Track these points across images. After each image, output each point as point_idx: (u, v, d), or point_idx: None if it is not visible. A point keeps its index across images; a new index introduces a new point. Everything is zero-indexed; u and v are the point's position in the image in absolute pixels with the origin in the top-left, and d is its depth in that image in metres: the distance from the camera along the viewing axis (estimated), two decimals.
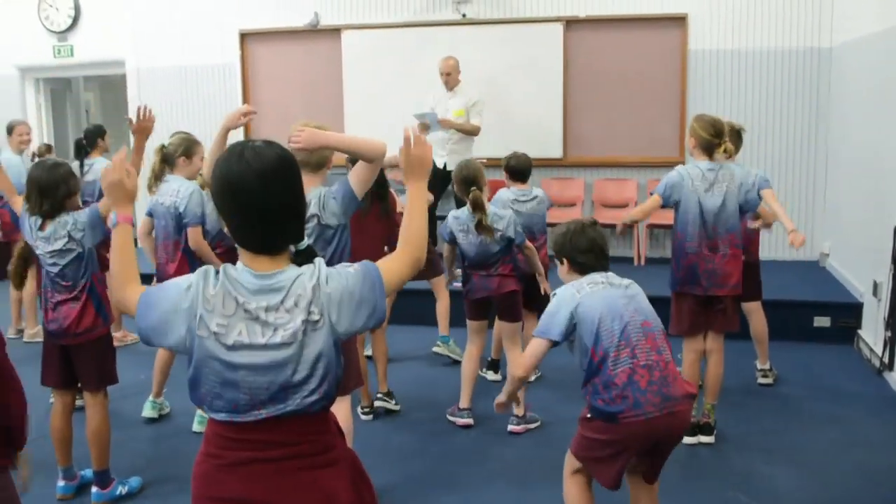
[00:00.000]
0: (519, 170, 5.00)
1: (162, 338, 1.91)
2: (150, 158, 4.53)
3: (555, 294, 3.08)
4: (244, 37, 8.80)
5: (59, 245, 3.69)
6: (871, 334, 5.81)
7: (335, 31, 8.49)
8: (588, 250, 3.08)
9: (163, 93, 9.12)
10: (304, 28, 8.54)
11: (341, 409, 3.08)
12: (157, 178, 4.69)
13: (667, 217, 7.72)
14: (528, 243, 4.70)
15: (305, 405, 1.90)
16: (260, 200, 1.86)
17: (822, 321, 6.26)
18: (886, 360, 5.37)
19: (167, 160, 4.69)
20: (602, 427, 2.92)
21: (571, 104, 8.09)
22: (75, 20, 9.24)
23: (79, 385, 3.91)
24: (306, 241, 1.99)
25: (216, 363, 1.87)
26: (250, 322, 1.86)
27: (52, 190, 3.66)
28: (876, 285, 5.67)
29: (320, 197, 3.22)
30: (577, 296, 2.97)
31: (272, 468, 1.89)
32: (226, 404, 1.90)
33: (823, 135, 7.61)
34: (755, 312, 5.19)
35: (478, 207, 4.47)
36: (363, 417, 4.83)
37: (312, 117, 8.34)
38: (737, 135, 4.84)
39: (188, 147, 4.71)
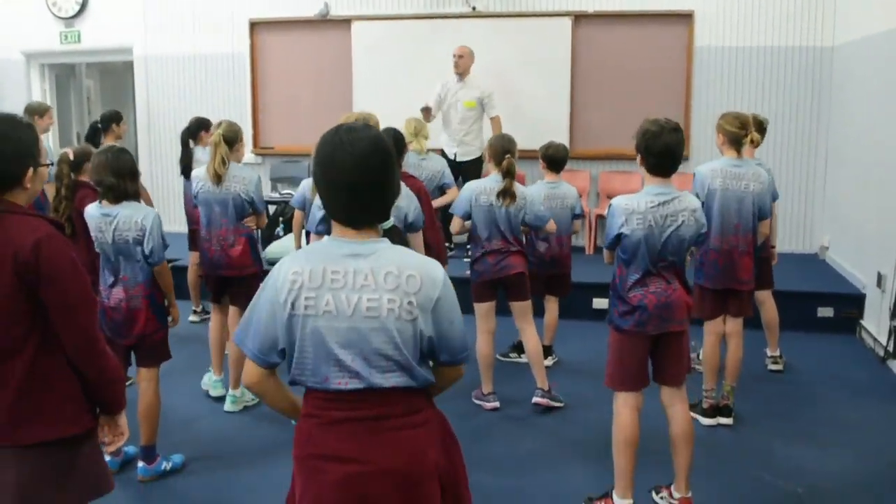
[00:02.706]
0: (556, 160, 5.18)
1: (274, 348, 2.02)
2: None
3: (610, 204, 3.47)
4: (254, 26, 8.85)
5: (131, 234, 3.78)
6: (875, 324, 6.01)
7: (345, 22, 8.57)
8: (659, 154, 3.34)
9: (171, 81, 9.20)
10: (314, 18, 8.61)
11: None
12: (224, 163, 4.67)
13: None
14: (550, 226, 4.90)
15: (390, 383, 1.97)
16: (348, 176, 1.96)
17: (825, 311, 6.46)
18: (891, 348, 5.56)
19: (230, 143, 4.73)
20: (613, 334, 3.55)
21: (578, 97, 8.23)
22: (83, 6, 9.23)
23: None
24: (391, 222, 2.10)
25: (307, 337, 1.96)
26: (336, 292, 1.94)
27: (133, 174, 3.79)
28: (880, 276, 5.86)
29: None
30: (624, 224, 3.36)
31: (365, 427, 1.98)
32: (318, 379, 1.98)
33: (824, 131, 7.81)
34: (767, 301, 5.36)
35: (509, 174, 4.67)
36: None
37: (321, 107, 8.58)
38: (760, 126, 4.99)
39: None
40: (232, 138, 4.72)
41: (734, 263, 4.46)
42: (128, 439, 2.55)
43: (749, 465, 4.15)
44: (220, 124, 4.84)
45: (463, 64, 7.52)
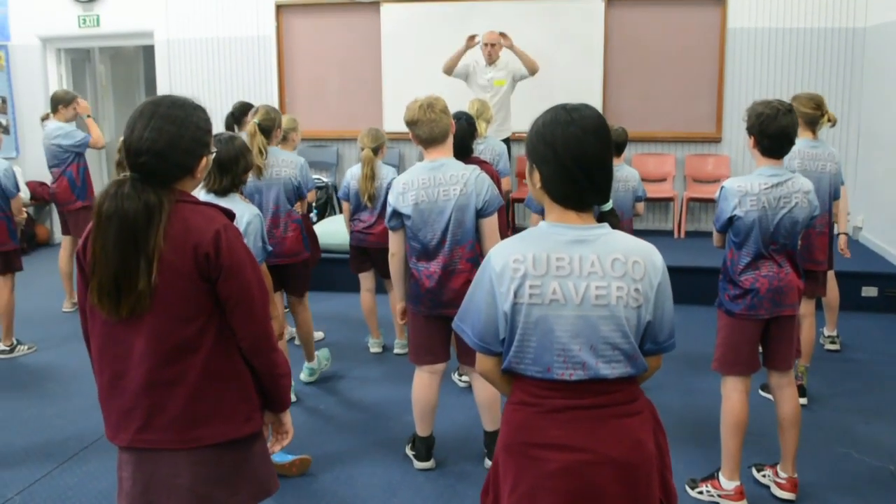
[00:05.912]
0: (618, 144, 5.15)
1: (496, 337, 2.00)
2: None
3: (722, 187, 3.47)
4: (280, 8, 8.77)
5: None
6: None
7: (374, 4, 8.51)
8: (774, 137, 3.35)
9: (194, 65, 9.10)
10: (343, 1, 8.54)
11: None
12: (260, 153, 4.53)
13: (704, 191, 7.98)
14: None
15: (616, 373, 1.95)
16: (583, 154, 1.97)
17: (869, 291, 6.52)
18: None
19: (267, 132, 4.58)
20: (723, 318, 3.53)
21: (611, 79, 8.24)
22: None
23: None
24: (611, 203, 2.07)
25: (531, 326, 1.93)
26: (562, 279, 1.92)
27: (232, 165, 3.52)
28: None
29: (477, 178, 3.65)
30: (737, 206, 3.37)
31: (589, 415, 1.95)
32: (540, 368, 1.96)
33: (856, 112, 7.86)
34: (829, 281, 5.38)
35: None
36: (461, 384, 4.98)
37: (349, 92, 8.50)
38: None
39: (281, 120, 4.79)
40: (268, 126, 4.54)
41: (811, 244, 4.49)
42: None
43: (833, 443, 4.19)
44: (256, 111, 4.67)
45: (496, 52, 7.48)
